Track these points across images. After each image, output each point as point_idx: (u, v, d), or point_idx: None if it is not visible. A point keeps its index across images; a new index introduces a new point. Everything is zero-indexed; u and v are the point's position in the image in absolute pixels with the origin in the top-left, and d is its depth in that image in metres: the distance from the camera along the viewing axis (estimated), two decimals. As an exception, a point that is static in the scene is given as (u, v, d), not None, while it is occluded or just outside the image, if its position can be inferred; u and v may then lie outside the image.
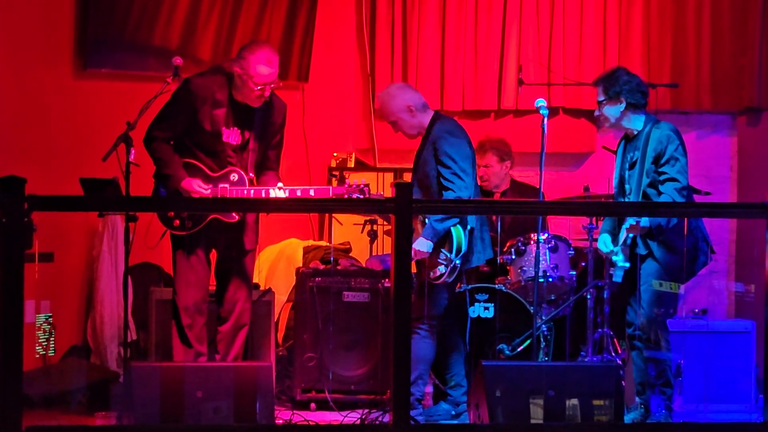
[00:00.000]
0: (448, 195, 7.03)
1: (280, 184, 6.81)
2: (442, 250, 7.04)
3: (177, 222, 6.78)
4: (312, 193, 6.84)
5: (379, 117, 9.45)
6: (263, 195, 6.74)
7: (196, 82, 6.84)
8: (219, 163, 6.81)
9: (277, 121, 6.99)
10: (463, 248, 7.08)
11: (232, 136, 6.83)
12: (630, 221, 6.84)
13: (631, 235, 6.84)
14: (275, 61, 6.79)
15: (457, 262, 7.05)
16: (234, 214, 6.81)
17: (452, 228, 7.05)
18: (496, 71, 9.48)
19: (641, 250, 6.91)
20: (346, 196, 6.80)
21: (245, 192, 6.76)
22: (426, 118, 7.28)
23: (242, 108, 6.84)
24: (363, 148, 9.60)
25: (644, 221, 6.81)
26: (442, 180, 7.10)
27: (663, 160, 6.82)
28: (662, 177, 6.82)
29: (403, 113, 7.26)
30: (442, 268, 7.04)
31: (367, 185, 6.87)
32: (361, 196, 6.79)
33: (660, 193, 6.81)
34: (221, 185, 6.79)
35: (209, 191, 6.73)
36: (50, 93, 8.28)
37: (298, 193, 6.79)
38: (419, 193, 7.14)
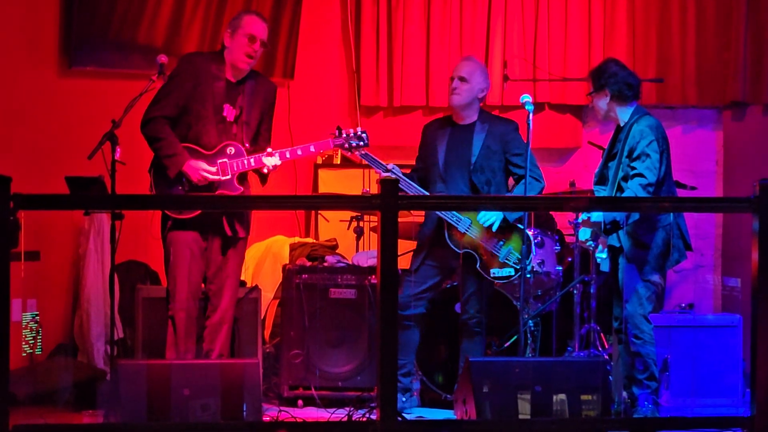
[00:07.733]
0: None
1: (269, 150, 6.82)
2: (513, 251, 7.05)
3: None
4: (312, 149, 6.88)
5: (364, 113, 9.46)
6: (262, 162, 6.77)
7: (194, 57, 7.00)
8: (214, 139, 6.78)
9: (267, 99, 7.01)
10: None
11: (227, 109, 6.84)
12: (584, 215, 6.88)
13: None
14: (264, 20, 6.98)
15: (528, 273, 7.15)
16: (238, 186, 6.81)
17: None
18: (482, 67, 9.48)
19: (614, 242, 6.92)
20: (345, 146, 6.96)
21: (245, 162, 6.77)
22: (477, 106, 7.50)
23: (234, 84, 6.87)
24: (349, 144, 9.58)
25: (595, 216, 6.83)
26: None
27: (635, 155, 6.83)
28: (632, 172, 6.83)
29: (481, 86, 7.48)
30: (509, 270, 7.10)
31: (364, 132, 7.00)
32: (361, 143, 6.95)
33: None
34: (220, 161, 6.77)
35: (216, 169, 6.72)
36: (35, 92, 8.26)
37: (299, 153, 6.84)
38: (471, 185, 7.35)
